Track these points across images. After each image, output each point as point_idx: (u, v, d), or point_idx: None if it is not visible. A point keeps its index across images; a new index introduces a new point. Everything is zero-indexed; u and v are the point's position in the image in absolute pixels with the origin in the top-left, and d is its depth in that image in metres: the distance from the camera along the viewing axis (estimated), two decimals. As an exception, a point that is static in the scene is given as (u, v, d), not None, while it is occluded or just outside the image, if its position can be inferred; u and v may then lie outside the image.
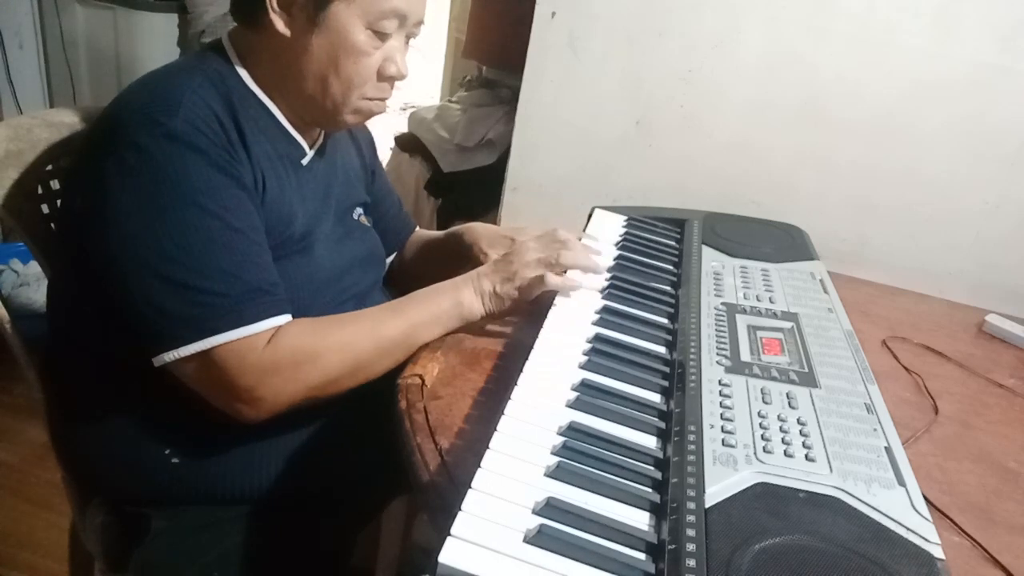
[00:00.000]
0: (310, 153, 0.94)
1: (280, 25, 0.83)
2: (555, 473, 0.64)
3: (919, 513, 0.63)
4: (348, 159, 1.06)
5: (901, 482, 0.66)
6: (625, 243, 1.17)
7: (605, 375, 0.80)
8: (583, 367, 0.81)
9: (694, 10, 1.43)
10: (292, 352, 0.79)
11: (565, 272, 0.95)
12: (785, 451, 0.69)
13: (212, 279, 0.76)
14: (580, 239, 1.11)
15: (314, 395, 0.82)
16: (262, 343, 0.78)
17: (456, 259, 1.17)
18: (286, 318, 0.81)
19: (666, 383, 0.82)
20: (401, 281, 1.24)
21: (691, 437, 0.69)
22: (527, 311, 0.94)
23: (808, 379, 0.82)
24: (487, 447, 0.64)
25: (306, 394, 0.81)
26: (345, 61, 0.84)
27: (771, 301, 1.01)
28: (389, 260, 1.21)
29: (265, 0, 0.82)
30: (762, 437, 0.70)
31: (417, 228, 1.28)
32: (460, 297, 0.90)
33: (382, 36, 0.85)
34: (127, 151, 0.76)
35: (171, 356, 0.76)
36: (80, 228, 0.80)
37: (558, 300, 0.93)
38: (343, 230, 1.00)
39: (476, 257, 1.12)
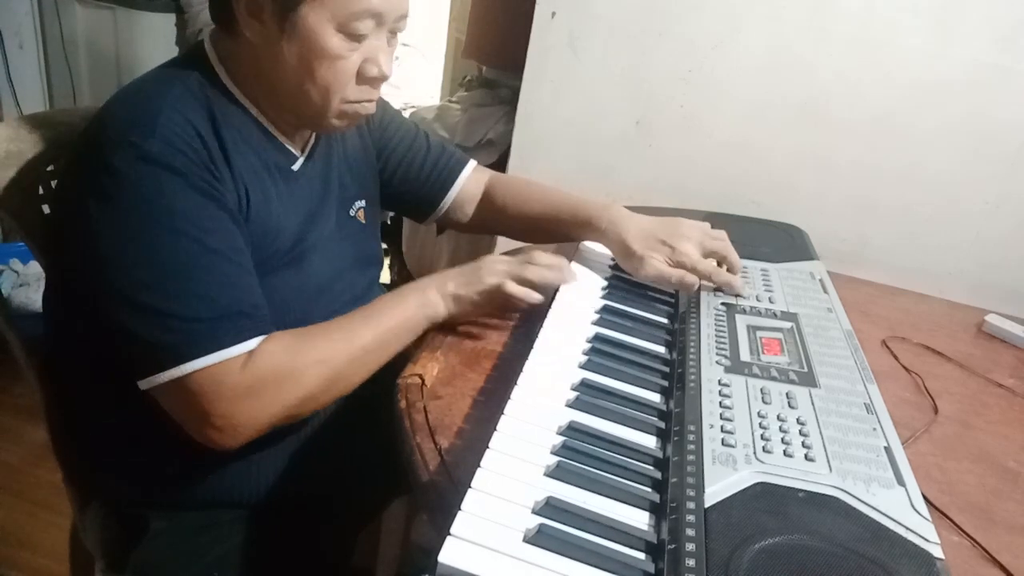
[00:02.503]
0: (300, 158, 0.92)
1: (251, 33, 0.80)
2: (555, 473, 0.64)
3: (918, 513, 0.63)
4: (349, 150, 1.02)
5: (900, 482, 0.66)
6: (625, 243, 1.17)
7: (605, 375, 0.80)
8: (583, 367, 0.81)
9: (694, 10, 1.43)
10: (272, 372, 0.76)
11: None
12: (785, 451, 0.69)
13: (186, 304, 0.74)
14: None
15: (292, 414, 0.80)
16: (239, 366, 0.75)
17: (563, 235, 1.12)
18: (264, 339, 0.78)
19: (666, 383, 0.82)
20: (493, 226, 1.19)
21: (691, 437, 0.69)
22: (523, 316, 0.94)
23: (808, 379, 0.82)
24: (487, 447, 0.65)
25: (284, 414, 0.79)
26: (319, 66, 0.80)
27: (771, 301, 1.01)
28: (449, 199, 1.13)
29: (234, 7, 0.79)
30: (762, 437, 0.70)
31: (476, 166, 1.17)
32: (425, 298, 0.88)
33: (357, 37, 0.80)
34: (102, 174, 0.74)
35: (147, 384, 0.74)
36: (61, 246, 0.80)
37: (557, 300, 0.93)
38: (339, 232, 0.98)
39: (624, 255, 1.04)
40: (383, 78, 0.85)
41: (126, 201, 0.73)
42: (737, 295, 1.00)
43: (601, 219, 1.06)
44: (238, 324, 0.76)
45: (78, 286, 0.79)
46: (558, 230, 1.12)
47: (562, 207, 1.12)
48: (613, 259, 1.10)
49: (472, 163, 1.17)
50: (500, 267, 0.91)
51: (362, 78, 0.83)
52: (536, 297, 0.90)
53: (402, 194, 1.12)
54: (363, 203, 1.04)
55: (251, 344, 0.76)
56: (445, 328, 0.92)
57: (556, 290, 0.95)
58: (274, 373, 0.77)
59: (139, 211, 0.74)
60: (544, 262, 0.94)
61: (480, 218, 1.17)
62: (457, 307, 0.90)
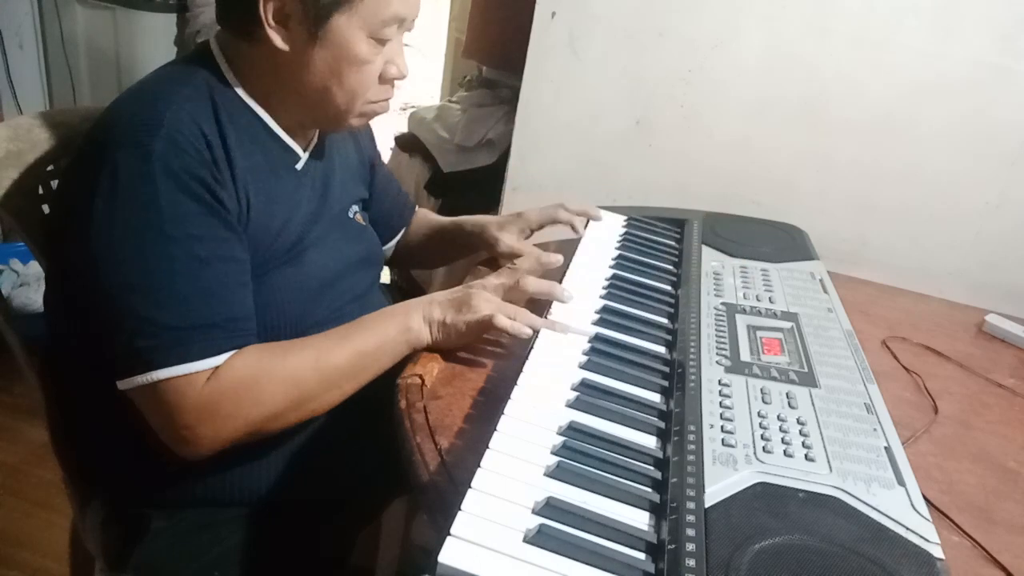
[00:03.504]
0: (304, 157, 0.92)
1: (278, 40, 0.80)
2: (555, 473, 0.64)
3: (919, 513, 0.63)
4: (346, 156, 1.05)
5: (901, 482, 0.66)
6: (625, 243, 1.17)
7: (605, 375, 0.80)
8: (583, 367, 0.81)
9: (694, 10, 1.43)
10: (234, 387, 0.76)
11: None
12: (785, 451, 0.69)
13: (164, 311, 0.73)
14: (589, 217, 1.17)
15: (257, 430, 0.79)
16: (202, 380, 0.74)
17: (462, 247, 1.20)
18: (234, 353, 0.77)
19: (666, 383, 0.82)
20: (408, 261, 1.30)
21: (691, 437, 0.69)
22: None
23: (808, 379, 0.82)
24: (487, 447, 0.65)
25: (248, 430, 0.78)
26: (349, 72, 0.82)
27: (771, 301, 1.01)
28: (395, 241, 1.21)
29: (260, 15, 0.79)
30: (762, 437, 0.70)
31: (417, 208, 1.27)
32: (409, 323, 0.86)
33: (383, 42, 0.83)
34: (103, 170, 0.74)
35: (123, 385, 0.75)
36: (57, 241, 0.80)
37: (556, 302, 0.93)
38: (340, 232, 0.99)
39: (487, 240, 1.13)
40: (402, 77, 0.88)
41: (121, 200, 0.74)
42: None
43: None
44: (209, 336, 0.75)
45: (73, 282, 0.79)
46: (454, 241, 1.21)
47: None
48: (614, 258, 1.10)
49: (418, 209, 1.27)
50: (492, 297, 0.89)
51: (384, 79, 0.87)
52: (526, 332, 0.86)
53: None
54: (360, 206, 1.06)
55: (218, 359, 0.76)
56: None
57: (549, 304, 0.93)
58: (235, 390, 0.76)
59: (134, 212, 0.74)
60: (539, 287, 0.91)
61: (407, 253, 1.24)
62: (442, 335, 0.87)
